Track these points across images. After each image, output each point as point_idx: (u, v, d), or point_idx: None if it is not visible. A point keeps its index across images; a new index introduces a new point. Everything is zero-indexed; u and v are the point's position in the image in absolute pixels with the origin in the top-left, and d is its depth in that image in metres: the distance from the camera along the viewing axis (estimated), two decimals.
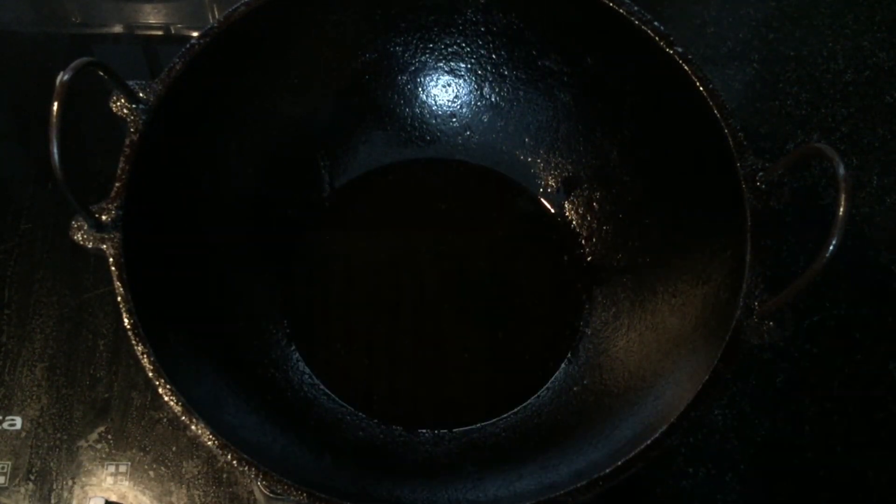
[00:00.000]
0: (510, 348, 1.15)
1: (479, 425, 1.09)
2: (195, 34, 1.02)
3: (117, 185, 0.90)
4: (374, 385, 1.11)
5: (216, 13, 1.43)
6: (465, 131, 1.23)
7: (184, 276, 1.00)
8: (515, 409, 1.10)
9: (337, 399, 1.10)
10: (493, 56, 1.16)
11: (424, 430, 1.08)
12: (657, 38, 0.97)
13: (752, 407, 1.14)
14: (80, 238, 0.87)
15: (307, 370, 1.11)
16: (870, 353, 1.17)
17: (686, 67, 0.96)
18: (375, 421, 1.09)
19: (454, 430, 1.09)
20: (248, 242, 1.14)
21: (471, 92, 1.21)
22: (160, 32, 1.42)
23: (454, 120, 1.23)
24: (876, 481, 1.11)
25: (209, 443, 0.82)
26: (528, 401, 1.10)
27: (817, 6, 1.42)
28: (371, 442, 1.07)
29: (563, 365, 1.12)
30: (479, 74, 1.19)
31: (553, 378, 1.12)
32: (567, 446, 0.99)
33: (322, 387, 1.11)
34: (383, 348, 1.14)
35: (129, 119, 0.92)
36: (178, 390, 0.83)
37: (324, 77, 1.15)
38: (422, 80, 1.20)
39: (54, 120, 0.79)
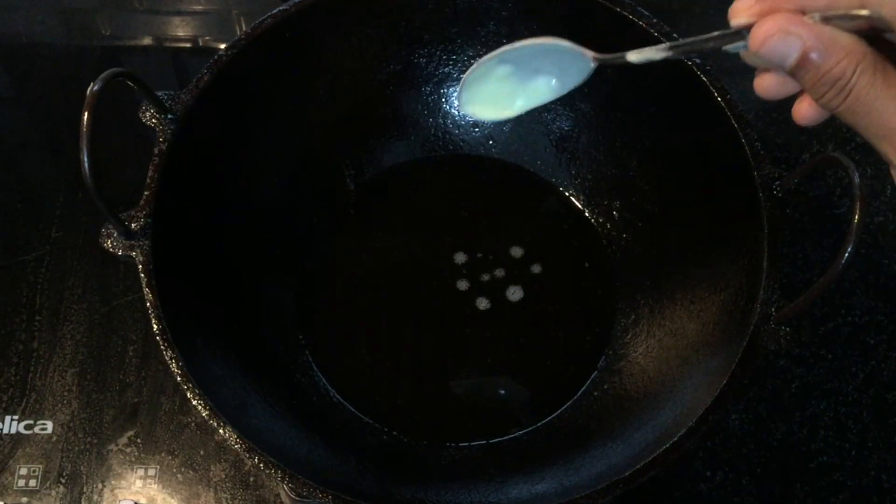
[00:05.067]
0: (532, 357, 1.15)
1: (504, 438, 1.10)
2: (223, 46, 1.03)
3: (146, 193, 0.91)
4: (396, 400, 1.12)
5: (243, 25, 1.45)
6: (488, 141, 1.24)
7: (211, 283, 1.02)
8: (538, 425, 1.11)
9: (361, 416, 1.11)
10: None
11: (450, 444, 1.10)
12: None
13: (768, 412, 1.15)
14: (110, 245, 0.89)
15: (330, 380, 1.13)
16: (884, 358, 1.18)
17: (704, 78, 0.97)
18: (395, 434, 1.10)
19: (477, 443, 1.10)
20: (273, 250, 1.16)
21: None
22: (188, 44, 1.43)
23: (476, 130, 1.24)
24: (891, 485, 1.11)
25: (236, 446, 0.83)
26: (552, 416, 1.11)
27: None
28: (396, 446, 1.09)
29: (588, 376, 1.13)
30: None
31: (578, 391, 1.12)
32: (587, 450, 1.00)
33: (345, 403, 1.12)
34: (407, 363, 1.15)
35: (157, 129, 0.94)
36: (206, 395, 0.84)
37: (349, 88, 1.17)
38: (445, 90, 1.21)
39: (85, 129, 0.80)
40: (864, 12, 0.52)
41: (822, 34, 0.54)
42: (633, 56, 0.71)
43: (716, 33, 0.63)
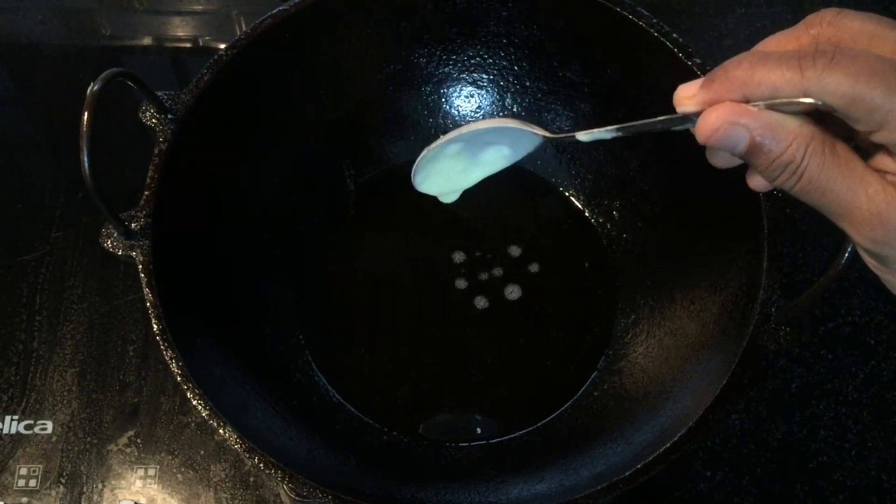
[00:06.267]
0: (532, 357, 1.15)
1: (504, 438, 1.10)
2: (223, 46, 1.03)
3: (146, 193, 0.91)
4: (396, 400, 1.13)
5: (243, 25, 1.45)
6: None
7: (211, 283, 1.02)
8: (538, 425, 1.11)
9: (361, 416, 1.11)
10: (515, 67, 1.17)
11: (450, 444, 1.10)
12: (676, 50, 0.98)
13: (768, 412, 1.15)
14: (110, 245, 0.89)
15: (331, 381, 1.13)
16: (884, 358, 1.18)
17: None
18: (395, 434, 1.10)
19: (477, 443, 1.10)
20: (273, 250, 1.16)
21: (493, 103, 1.21)
22: (188, 44, 1.43)
23: None
24: (891, 485, 1.11)
25: (236, 446, 0.83)
26: (552, 415, 1.11)
27: None
28: (395, 446, 1.09)
29: (588, 376, 1.13)
30: (501, 85, 1.20)
31: (578, 391, 1.12)
32: (587, 450, 1.00)
33: (346, 403, 1.12)
34: (407, 363, 1.15)
35: (157, 129, 0.94)
36: (206, 395, 0.84)
37: (349, 88, 1.17)
38: (445, 90, 1.21)
39: (85, 129, 0.80)
40: (808, 100, 0.52)
41: (768, 121, 0.54)
42: (583, 136, 0.72)
43: (663, 117, 0.63)
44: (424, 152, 0.83)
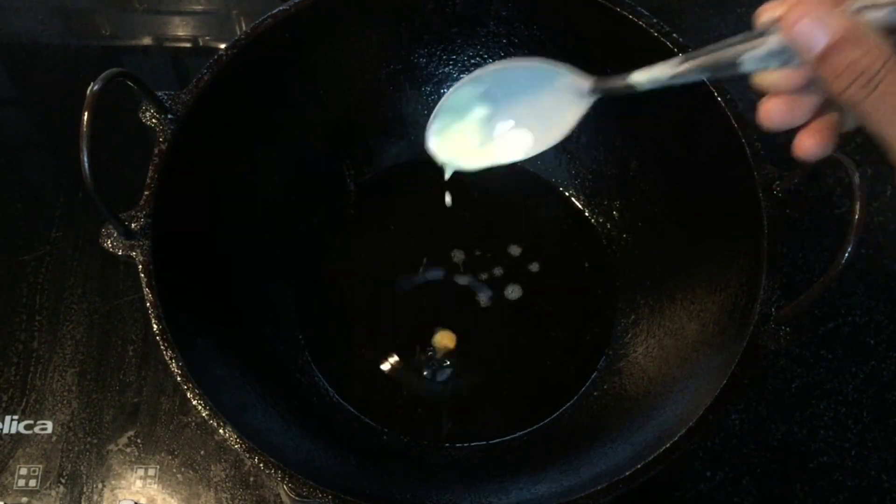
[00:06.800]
0: (532, 357, 1.16)
1: (504, 438, 1.10)
2: (223, 46, 1.03)
3: (146, 193, 0.91)
4: (396, 400, 1.13)
5: (243, 25, 1.44)
6: None
7: (211, 283, 1.02)
8: (538, 425, 1.11)
9: (360, 416, 1.11)
10: None
11: (450, 444, 1.10)
12: (676, 50, 0.98)
13: (768, 411, 1.15)
14: (110, 245, 0.89)
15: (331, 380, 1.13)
16: (884, 359, 1.18)
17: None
18: (395, 434, 1.10)
19: (477, 443, 1.10)
20: (273, 250, 1.16)
21: None
22: (188, 44, 1.43)
23: None
24: (891, 485, 1.11)
25: (236, 446, 0.83)
26: (552, 416, 1.11)
27: None
28: (396, 446, 1.09)
29: (588, 376, 1.13)
30: None
31: (578, 391, 1.12)
32: (587, 450, 0.99)
33: (345, 403, 1.12)
34: (405, 361, 1.15)
35: (157, 129, 0.94)
36: (206, 395, 0.84)
37: (349, 88, 1.17)
38: (445, 91, 1.19)
39: (85, 129, 0.80)
40: None
41: (853, 25, 0.54)
42: (640, 76, 0.69)
43: (739, 37, 0.61)
44: (450, 91, 0.80)
